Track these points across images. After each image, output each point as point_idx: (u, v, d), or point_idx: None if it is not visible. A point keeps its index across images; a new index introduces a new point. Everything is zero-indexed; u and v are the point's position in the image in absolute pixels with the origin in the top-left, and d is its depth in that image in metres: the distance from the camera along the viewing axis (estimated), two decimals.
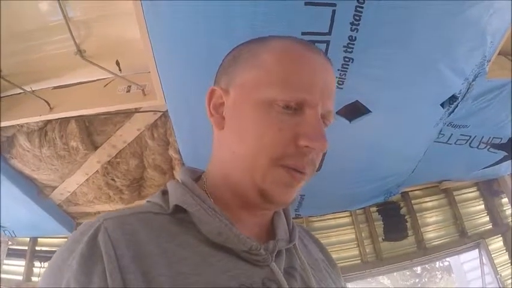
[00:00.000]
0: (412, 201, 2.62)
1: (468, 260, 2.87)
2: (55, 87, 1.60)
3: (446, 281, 9.06)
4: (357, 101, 1.24)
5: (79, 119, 1.68)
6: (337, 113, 1.30)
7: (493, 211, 2.65)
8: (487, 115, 1.62)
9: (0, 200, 1.93)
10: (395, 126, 1.47)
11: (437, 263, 8.78)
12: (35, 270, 2.50)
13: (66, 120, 1.67)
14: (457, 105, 1.43)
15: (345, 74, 1.09)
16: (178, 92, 1.31)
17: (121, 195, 2.03)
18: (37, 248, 2.57)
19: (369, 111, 1.30)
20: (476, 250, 2.59)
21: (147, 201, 0.53)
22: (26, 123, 1.67)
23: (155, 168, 1.90)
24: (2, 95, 1.62)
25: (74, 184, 2.03)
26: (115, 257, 0.39)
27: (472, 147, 1.86)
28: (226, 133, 0.51)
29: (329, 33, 0.96)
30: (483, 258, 2.55)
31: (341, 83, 1.12)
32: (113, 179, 1.93)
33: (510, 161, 2.09)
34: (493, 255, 2.51)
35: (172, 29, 1.06)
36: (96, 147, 1.80)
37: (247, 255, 0.46)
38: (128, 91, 1.47)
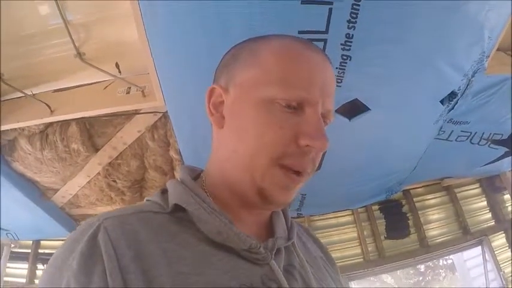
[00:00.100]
0: (414, 199, 2.62)
1: (471, 257, 2.87)
2: (55, 90, 1.61)
3: (450, 279, 9.02)
4: (356, 99, 1.24)
5: (80, 121, 1.68)
6: (336, 111, 1.30)
7: (495, 208, 2.64)
8: (487, 111, 1.61)
9: (0, 203, 1.94)
10: (395, 123, 1.47)
11: (440, 261, 8.76)
12: (38, 272, 2.51)
13: (67, 122, 1.68)
14: (457, 102, 1.42)
15: (343, 72, 1.09)
16: (178, 93, 1.31)
17: (122, 196, 2.04)
18: (40, 251, 2.58)
19: (368, 109, 1.30)
20: (479, 247, 2.58)
21: (147, 200, 0.53)
22: (27, 127, 1.68)
23: (156, 169, 1.90)
24: (2, 99, 1.63)
25: (76, 186, 2.04)
26: (115, 257, 0.39)
27: (473, 143, 1.85)
28: (226, 132, 0.51)
29: (326, 31, 0.96)
30: (486, 255, 2.53)
31: (339, 81, 1.11)
32: (114, 181, 1.94)
33: (511, 157, 2.09)
34: (496, 252, 2.50)
35: (170, 29, 1.06)
36: (97, 149, 1.81)
37: (247, 254, 0.46)
38: (128, 93, 1.47)
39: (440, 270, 9.39)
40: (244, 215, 0.52)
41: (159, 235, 0.43)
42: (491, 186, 2.67)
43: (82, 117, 1.61)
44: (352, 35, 0.98)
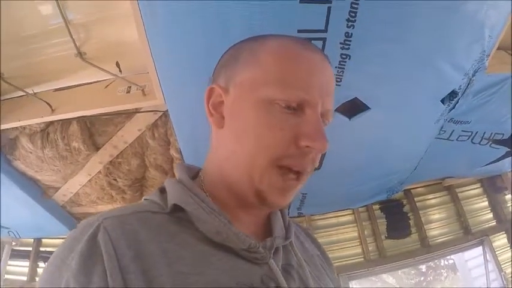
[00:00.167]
0: (415, 199, 2.61)
1: (472, 258, 2.86)
2: (56, 90, 1.61)
3: (451, 280, 8.99)
4: (355, 98, 1.24)
5: (80, 120, 1.69)
6: (336, 110, 1.29)
7: (496, 208, 2.62)
8: (488, 110, 1.60)
9: (1, 201, 1.95)
10: (395, 123, 1.46)
11: (442, 261, 8.73)
12: (39, 271, 2.53)
13: (68, 121, 1.68)
14: (458, 101, 1.42)
15: (343, 71, 1.09)
16: (178, 92, 1.31)
17: (123, 195, 2.05)
18: (41, 249, 2.60)
19: (368, 108, 1.30)
20: (480, 247, 2.57)
21: (145, 199, 0.53)
22: (28, 125, 1.68)
23: (157, 168, 1.90)
24: (4, 98, 1.64)
25: (77, 185, 2.04)
26: (115, 257, 0.39)
27: (474, 143, 1.84)
28: (225, 132, 0.51)
29: (325, 30, 0.96)
30: (487, 255, 2.52)
31: (339, 80, 1.11)
32: (115, 179, 1.94)
33: None
34: (497, 253, 2.49)
35: (170, 29, 1.06)
36: (97, 148, 1.82)
37: (246, 254, 0.46)
38: (128, 92, 1.47)
39: (442, 271, 9.36)
40: (242, 215, 0.52)
41: (159, 235, 0.44)
42: (492, 186, 2.66)
43: (83, 116, 1.61)
44: (351, 33, 0.97)
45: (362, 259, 2.45)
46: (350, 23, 0.95)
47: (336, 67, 1.07)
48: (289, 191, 0.49)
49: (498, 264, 2.46)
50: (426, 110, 1.41)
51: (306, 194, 1.98)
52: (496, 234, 2.56)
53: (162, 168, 1.92)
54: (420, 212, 2.57)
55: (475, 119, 1.67)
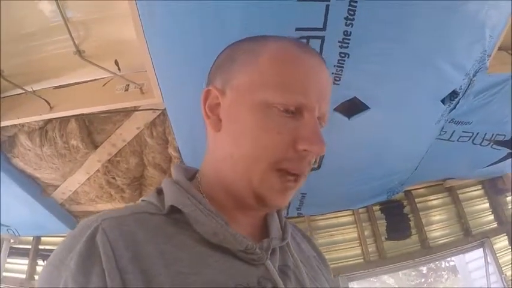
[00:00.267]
0: (416, 200, 2.59)
1: (473, 260, 2.84)
2: (56, 87, 1.62)
3: (452, 281, 8.98)
4: (354, 97, 1.23)
5: (79, 118, 1.69)
6: (335, 109, 1.29)
7: (497, 210, 2.61)
8: (489, 111, 1.59)
9: (0, 199, 1.95)
10: (395, 123, 1.45)
11: (443, 263, 8.71)
12: (38, 268, 2.53)
13: (66, 119, 1.68)
14: (459, 101, 1.41)
15: (342, 70, 1.08)
16: (176, 91, 1.31)
17: (122, 193, 2.05)
18: (40, 247, 2.60)
19: (368, 108, 1.29)
20: (481, 249, 2.56)
21: (142, 200, 0.53)
22: (27, 123, 1.69)
23: (155, 166, 1.90)
24: (3, 95, 1.64)
25: (76, 183, 2.05)
26: (113, 258, 0.39)
27: (475, 144, 1.83)
28: (223, 135, 0.51)
29: (323, 28, 0.95)
30: (488, 257, 2.51)
31: (338, 79, 1.11)
32: (113, 178, 1.94)
33: None
34: (497, 255, 2.47)
35: (168, 29, 1.06)
36: (96, 146, 1.82)
37: (243, 255, 0.46)
38: (126, 90, 1.47)
39: (443, 272, 9.34)
40: (239, 216, 0.52)
41: (156, 236, 0.44)
42: (493, 187, 2.64)
43: (81, 114, 1.62)
44: (350, 32, 0.97)
45: (362, 260, 2.44)
46: (349, 22, 0.94)
47: (334, 66, 1.07)
48: (288, 192, 0.49)
49: (499, 266, 2.44)
50: (426, 110, 1.40)
51: (305, 193, 1.98)
52: (497, 236, 2.54)
53: (160, 166, 1.92)
54: (421, 213, 2.56)
55: (476, 120, 1.66)
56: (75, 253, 0.39)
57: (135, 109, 1.62)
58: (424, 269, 9.21)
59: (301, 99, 0.46)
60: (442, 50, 1.12)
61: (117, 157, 1.86)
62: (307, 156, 0.48)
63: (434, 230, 2.55)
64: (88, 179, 2.00)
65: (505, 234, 2.54)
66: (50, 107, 1.53)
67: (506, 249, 2.51)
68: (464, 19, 1.02)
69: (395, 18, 0.98)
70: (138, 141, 1.81)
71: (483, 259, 2.55)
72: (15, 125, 1.71)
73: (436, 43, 1.09)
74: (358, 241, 2.49)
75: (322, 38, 0.98)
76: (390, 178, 1.98)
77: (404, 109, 1.37)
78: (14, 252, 2.55)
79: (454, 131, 1.73)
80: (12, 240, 2.44)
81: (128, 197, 2.10)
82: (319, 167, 1.66)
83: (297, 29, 0.95)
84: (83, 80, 1.58)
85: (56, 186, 2.11)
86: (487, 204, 2.66)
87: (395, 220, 2.56)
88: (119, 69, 1.46)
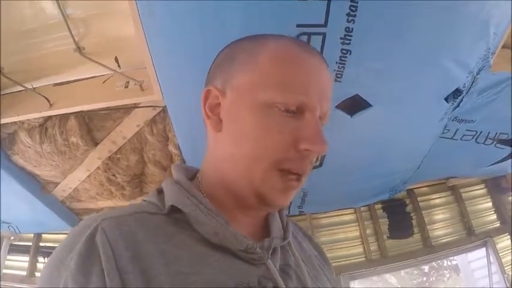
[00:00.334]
0: (418, 199, 2.57)
1: (475, 259, 2.83)
2: (56, 84, 1.61)
3: (454, 280, 8.96)
4: (356, 94, 1.22)
5: (79, 115, 1.69)
6: (337, 107, 1.27)
7: (500, 209, 2.59)
8: (493, 110, 1.57)
9: (1, 196, 1.96)
10: (398, 120, 1.44)
11: (445, 262, 8.70)
12: (39, 265, 2.54)
13: (66, 116, 1.68)
14: (462, 99, 1.39)
15: (343, 67, 1.07)
16: (176, 89, 1.31)
17: (122, 191, 2.05)
18: (41, 244, 2.61)
19: (370, 105, 1.28)
20: (484, 248, 2.54)
21: (143, 201, 0.53)
22: (27, 120, 1.68)
23: (155, 164, 1.90)
24: (3, 93, 1.64)
25: (76, 180, 2.05)
26: (113, 258, 0.39)
27: (478, 142, 1.81)
28: (223, 135, 0.51)
29: (325, 25, 0.94)
30: (490, 257, 2.49)
31: (339, 76, 1.09)
32: (113, 175, 1.94)
33: None
34: (500, 254, 2.46)
35: (168, 29, 1.05)
36: (96, 143, 1.81)
37: (243, 254, 0.46)
38: (126, 87, 1.47)
39: (445, 271, 9.33)
40: (240, 216, 0.52)
41: (156, 236, 0.44)
42: (496, 187, 2.62)
43: (81, 111, 1.61)
44: (352, 28, 0.96)
45: (364, 259, 2.43)
46: (350, 18, 0.93)
47: (336, 62, 1.06)
48: (290, 191, 0.49)
49: (501, 266, 2.43)
50: (429, 107, 1.39)
51: (307, 191, 1.97)
52: (500, 236, 2.52)
53: (160, 164, 1.92)
54: (423, 212, 2.54)
55: (480, 118, 1.64)
56: (75, 253, 0.39)
57: (135, 106, 1.62)
58: (426, 268, 9.20)
59: (302, 99, 0.46)
60: (445, 47, 1.11)
61: (117, 154, 1.86)
62: (308, 156, 0.48)
63: (436, 228, 2.53)
64: (88, 176, 2.00)
65: (508, 233, 2.52)
66: (50, 104, 1.53)
67: (509, 249, 2.49)
68: (466, 18, 1.01)
69: (397, 16, 0.97)
70: (139, 139, 1.81)
71: (485, 258, 2.53)
72: (15, 122, 1.71)
73: (440, 41, 1.07)
74: (360, 239, 2.48)
75: (324, 35, 0.97)
76: (392, 176, 1.97)
77: (407, 107, 1.36)
78: (15, 249, 2.57)
79: (458, 129, 1.71)
80: (12, 238, 2.45)
81: (128, 194, 2.10)
82: (321, 164, 1.65)
83: (298, 25, 0.94)
84: (82, 77, 1.57)
85: (56, 184, 2.11)
86: (490, 203, 2.64)
87: (398, 219, 2.55)
88: (119, 66, 1.46)
